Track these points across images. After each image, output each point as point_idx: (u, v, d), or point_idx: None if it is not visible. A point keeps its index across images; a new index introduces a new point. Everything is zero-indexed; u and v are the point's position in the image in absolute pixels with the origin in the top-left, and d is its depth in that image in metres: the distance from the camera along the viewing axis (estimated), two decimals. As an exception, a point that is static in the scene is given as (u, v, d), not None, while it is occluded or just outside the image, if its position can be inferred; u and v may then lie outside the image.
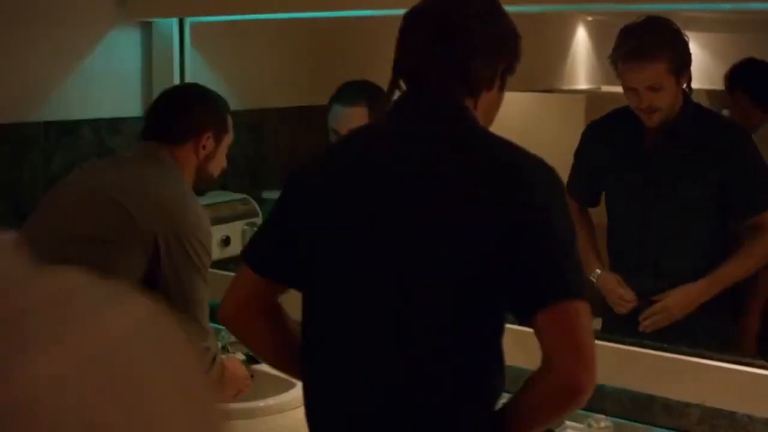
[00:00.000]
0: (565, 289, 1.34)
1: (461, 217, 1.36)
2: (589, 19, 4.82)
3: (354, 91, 2.61)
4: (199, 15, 2.67)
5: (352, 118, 2.59)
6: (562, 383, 1.34)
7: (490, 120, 1.54)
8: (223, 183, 2.84)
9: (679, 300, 2.24)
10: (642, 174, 2.31)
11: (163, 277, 1.94)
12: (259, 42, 3.06)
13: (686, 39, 2.24)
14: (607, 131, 2.42)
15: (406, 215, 1.40)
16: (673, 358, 1.96)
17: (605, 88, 5.14)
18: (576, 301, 1.33)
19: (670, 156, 2.27)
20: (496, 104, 1.54)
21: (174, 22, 2.71)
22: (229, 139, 2.17)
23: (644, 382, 2.00)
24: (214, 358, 2.06)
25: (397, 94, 1.52)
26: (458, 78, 1.44)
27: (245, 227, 2.83)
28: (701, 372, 1.93)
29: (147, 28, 2.76)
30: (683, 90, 2.26)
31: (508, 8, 2.30)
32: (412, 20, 1.48)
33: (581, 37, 4.92)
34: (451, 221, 1.37)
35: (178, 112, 2.11)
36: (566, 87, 5.29)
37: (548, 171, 1.41)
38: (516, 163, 1.40)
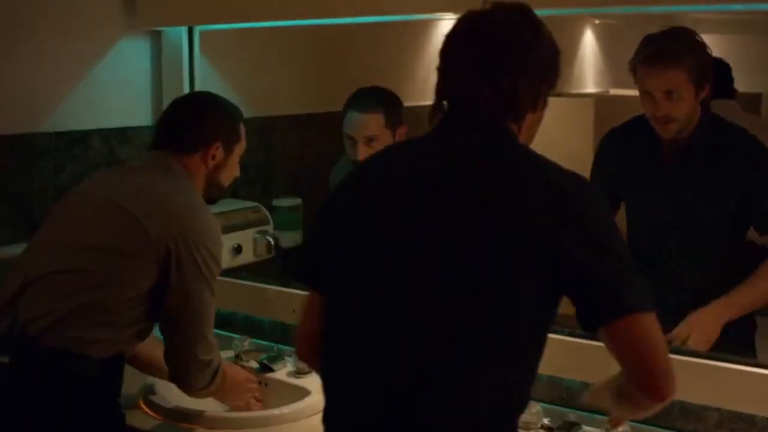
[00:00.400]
0: (623, 305, 1.32)
1: (501, 234, 1.34)
2: (597, 22, 4.81)
3: (370, 98, 2.60)
4: (209, 23, 2.66)
5: (369, 124, 2.58)
6: (643, 393, 1.34)
7: (532, 137, 1.54)
8: (234, 191, 2.83)
9: (699, 337, 2.10)
10: (660, 187, 2.27)
11: (172, 287, 1.93)
12: (267, 49, 3.05)
13: (709, 52, 2.20)
14: (626, 139, 2.38)
15: (437, 231, 1.38)
16: (691, 362, 1.94)
17: (613, 92, 5.12)
18: (638, 315, 1.32)
19: (688, 170, 2.23)
20: (538, 122, 1.54)
21: (183, 30, 2.70)
22: (241, 148, 2.15)
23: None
24: (215, 372, 2.05)
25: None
26: (506, 106, 1.44)
27: (256, 235, 2.81)
28: (719, 375, 1.91)
29: (156, 37, 2.76)
30: (702, 104, 2.21)
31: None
32: (456, 43, 1.47)
33: (589, 40, 4.90)
34: (490, 237, 1.35)
35: (188, 121, 2.09)
36: (574, 90, 5.27)
37: (593, 190, 1.42)
38: (561, 182, 1.39)
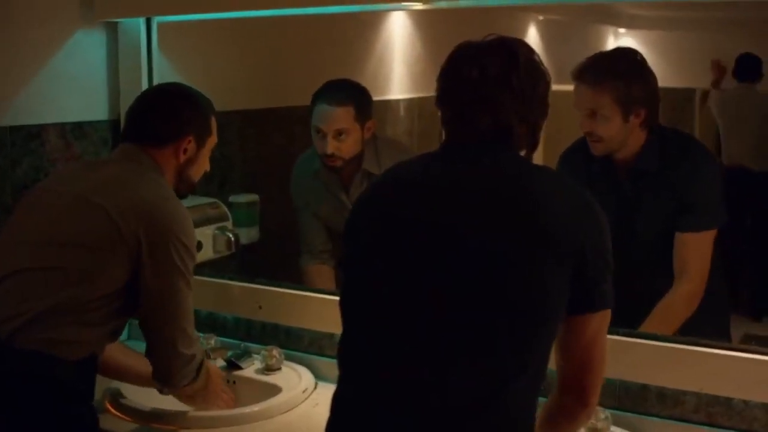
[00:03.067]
0: (603, 300, 1.48)
1: (533, 235, 1.42)
2: (541, 18, 4.85)
3: (341, 91, 2.59)
4: (167, 14, 2.59)
5: (339, 118, 2.57)
6: (571, 391, 1.52)
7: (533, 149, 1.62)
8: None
9: None
10: (614, 208, 2.14)
11: (147, 282, 1.88)
12: (224, 44, 3.00)
13: (650, 78, 2.13)
14: (585, 158, 2.26)
15: (457, 241, 1.43)
16: (667, 347, 1.98)
17: (555, 88, 5.18)
18: (608, 310, 1.50)
19: (637, 189, 2.20)
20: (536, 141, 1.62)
21: (141, 22, 2.63)
22: (212, 142, 2.11)
23: (639, 372, 2.01)
24: (199, 367, 2.01)
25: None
26: (504, 140, 1.52)
27: (216, 231, 2.77)
28: (696, 360, 1.94)
29: (113, 29, 2.67)
30: (647, 126, 2.14)
31: (458, 4, 2.27)
32: (463, 67, 1.53)
33: (532, 36, 4.94)
34: (510, 246, 1.41)
35: (159, 114, 2.03)
36: (517, 86, 5.29)
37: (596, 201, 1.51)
38: (582, 192, 1.51)
